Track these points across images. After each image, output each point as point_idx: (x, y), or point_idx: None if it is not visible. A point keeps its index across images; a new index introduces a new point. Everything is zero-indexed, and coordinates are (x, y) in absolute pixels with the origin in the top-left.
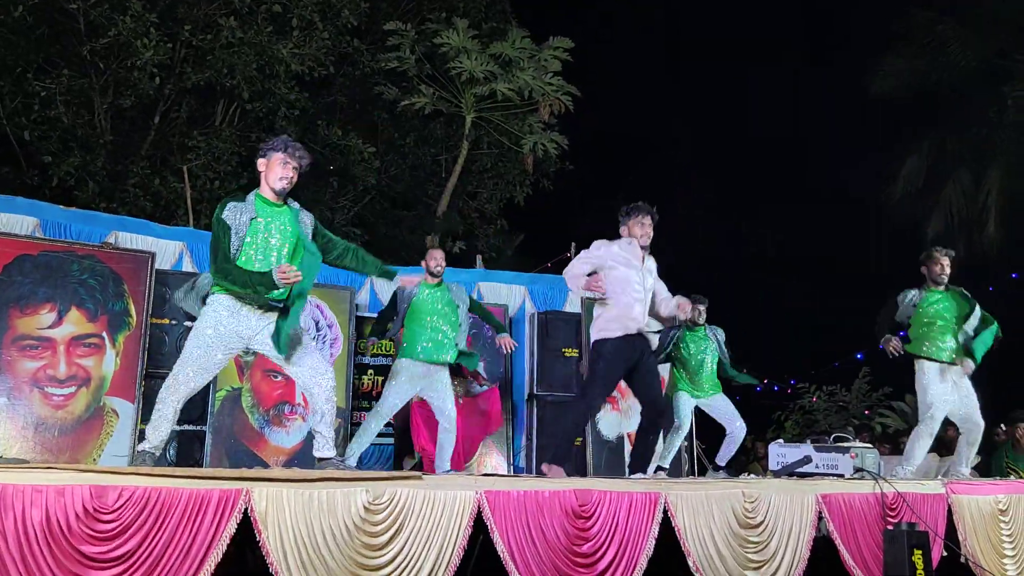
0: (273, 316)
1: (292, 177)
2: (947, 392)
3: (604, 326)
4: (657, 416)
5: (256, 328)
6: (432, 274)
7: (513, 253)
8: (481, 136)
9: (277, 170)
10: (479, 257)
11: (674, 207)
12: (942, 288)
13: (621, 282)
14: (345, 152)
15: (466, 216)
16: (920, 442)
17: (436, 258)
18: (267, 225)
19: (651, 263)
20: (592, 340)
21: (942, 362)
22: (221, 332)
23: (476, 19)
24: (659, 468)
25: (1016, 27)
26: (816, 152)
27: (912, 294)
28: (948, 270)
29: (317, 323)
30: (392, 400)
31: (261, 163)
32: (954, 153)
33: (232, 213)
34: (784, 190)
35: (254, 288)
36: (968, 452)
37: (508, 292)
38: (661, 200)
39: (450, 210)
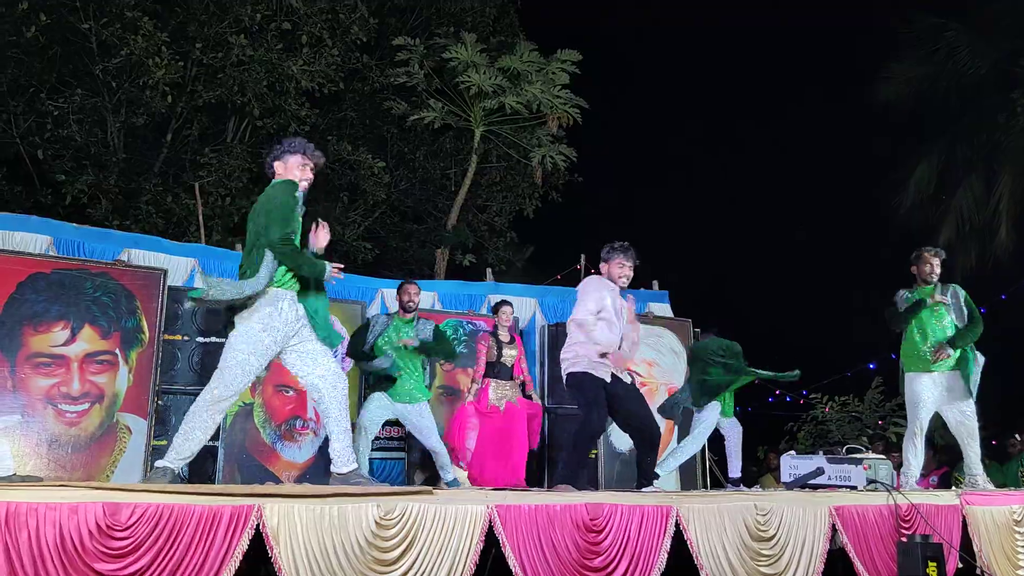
0: (303, 308)
1: (311, 178)
2: (928, 389)
3: (574, 362)
4: (651, 436)
5: (295, 324)
6: (405, 309)
7: (523, 265)
8: (490, 149)
9: (296, 173)
10: (489, 270)
11: (685, 216)
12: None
13: (605, 327)
14: (355, 167)
15: (476, 229)
16: (908, 447)
17: (410, 293)
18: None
19: (627, 303)
20: (565, 374)
21: (923, 371)
22: (280, 328)
23: (484, 33)
24: None
25: None
26: (827, 160)
27: (901, 294)
28: (938, 270)
29: None
30: (373, 416)
31: (278, 166)
32: (964, 159)
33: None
34: (795, 198)
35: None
36: (970, 451)
37: (519, 304)
38: (672, 210)
39: (460, 223)
